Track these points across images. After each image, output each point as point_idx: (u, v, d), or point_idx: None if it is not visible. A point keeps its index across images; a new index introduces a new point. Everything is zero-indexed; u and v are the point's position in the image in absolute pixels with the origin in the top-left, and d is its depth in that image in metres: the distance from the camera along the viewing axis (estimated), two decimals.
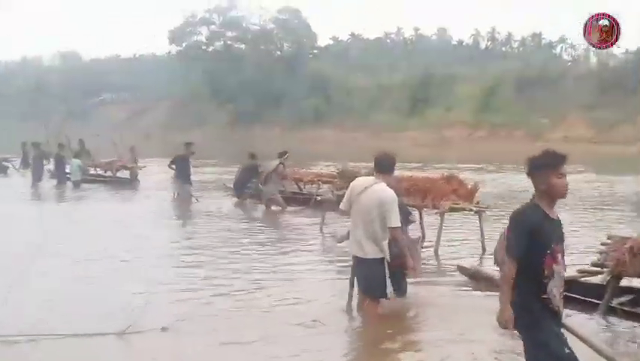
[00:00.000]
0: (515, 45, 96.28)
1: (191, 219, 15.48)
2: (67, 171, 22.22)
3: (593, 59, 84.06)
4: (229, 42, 76.70)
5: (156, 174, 24.09)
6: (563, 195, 4.43)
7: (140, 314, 6.78)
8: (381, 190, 6.83)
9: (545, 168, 4.38)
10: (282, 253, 11.14)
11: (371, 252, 6.91)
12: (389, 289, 7.02)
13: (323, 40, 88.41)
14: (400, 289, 7.62)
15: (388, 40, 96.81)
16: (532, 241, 4.28)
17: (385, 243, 6.89)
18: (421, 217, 12.14)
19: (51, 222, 14.60)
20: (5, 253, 10.23)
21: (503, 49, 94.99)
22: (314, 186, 16.89)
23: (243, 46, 76.49)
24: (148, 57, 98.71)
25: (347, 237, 8.74)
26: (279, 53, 76.28)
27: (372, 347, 6.60)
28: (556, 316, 4.43)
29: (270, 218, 15.45)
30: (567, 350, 4.36)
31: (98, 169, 23.33)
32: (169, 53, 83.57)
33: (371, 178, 7.11)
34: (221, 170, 26.85)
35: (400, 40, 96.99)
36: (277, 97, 66.78)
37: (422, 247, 11.27)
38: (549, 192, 4.38)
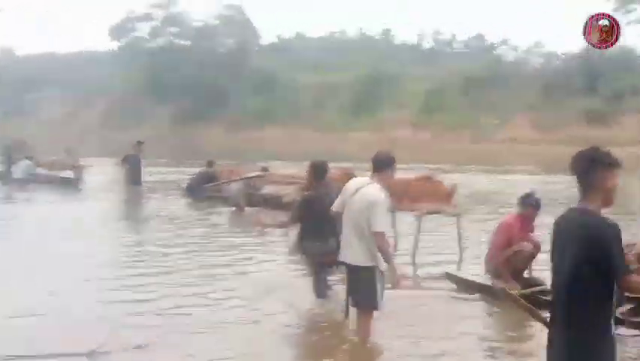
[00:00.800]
0: (459, 46, 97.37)
1: (149, 222, 14.59)
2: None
3: (535, 61, 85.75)
4: (171, 38, 75.14)
5: (100, 174, 23.09)
6: (612, 203, 3.70)
7: (110, 332, 6.04)
8: (373, 192, 6.23)
9: (610, 166, 3.64)
10: (254, 258, 10.39)
11: (362, 259, 6.30)
12: (381, 300, 6.43)
13: (267, 39, 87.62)
14: (321, 291, 7.65)
15: (332, 40, 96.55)
16: None
17: (393, 268, 6.31)
18: (393, 222, 11.66)
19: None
20: None
21: (447, 50, 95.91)
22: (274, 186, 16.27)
23: (188, 42, 75.01)
24: (88, 54, 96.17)
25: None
26: (222, 50, 75.02)
27: None
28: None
29: (233, 220, 14.71)
30: None
31: (41, 168, 22.11)
32: (110, 50, 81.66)
33: (365, 179, 6.54)
34: (172, 170, 25.98)
35: (345, 39, 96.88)
36: (220, 95, 65.64)
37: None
38: (608, 194, 3.64)
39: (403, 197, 10.56)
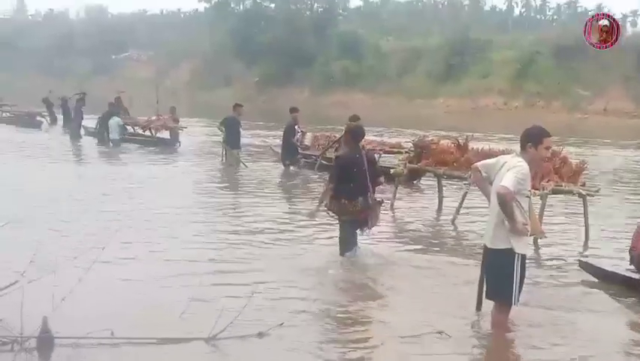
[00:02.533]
0: (550, 13, 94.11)
1: (253, 189, 13.98)
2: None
3: (630, 30, 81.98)
4: (258, 0, 74.83)
5: (193, 134, 22.98)
6: None
7: (232, 316, 5.57)
8: (514, 161, 5.64)
9: None
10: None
11: (498, 240, 5.66)
12: (517, 292, 5.69)
13: (353, 2, 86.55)
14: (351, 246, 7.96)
15: (420, 4, 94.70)
16: None
17: (514, 228, 5.54)
18: None
19: (98, 190, 13.07)
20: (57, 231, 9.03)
21: (538, 16, 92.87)
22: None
23: (272, 5, 74.65)
24: (174, 14, 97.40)
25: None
26: (308, 12, 74.34)
27: None
28: None
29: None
30: None
31: (136, 128, 22.11)
32: (196, 10, 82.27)
33: (513, 154, 5.93)
34: (268, 133, 25.70)
35: (432, 3, 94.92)
36: (306, 58, 65.18)
37: None
38: None
39: None
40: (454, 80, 58.64)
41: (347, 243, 7.98)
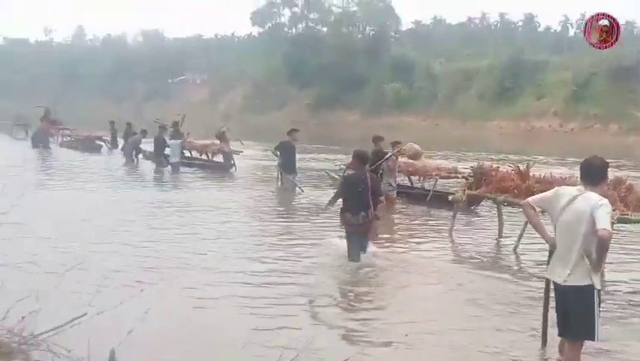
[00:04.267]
0: None
1: (308, 214, 13.81)
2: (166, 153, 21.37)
3: None
4: (311, 24, 75.57)
5: (249, 158, 23.15)
6: None
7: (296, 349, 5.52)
8: (595, 196, 5.38)
9: None
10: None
11: (578, 278, 5.42)
12: (599, 328, 5.50)
13: (405, 24, 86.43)
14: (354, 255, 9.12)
15: (472, 26, 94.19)
16: None
17: (594, 265, 5.38)
18: None
19: (160, 218, 13.13)
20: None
21: None
22: (431, 180, 15.48)
23: (324, 28, 75.30)
24: (229, 38, 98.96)
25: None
26: (360, 36, 74.68)
27: None
28: None
29: (390, 217, 13.74)
30: None
31: (193, 152, 22.35)
32: (250, 34, 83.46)
33: (579, 187, 5.62)
34: (322, 157, 25.69)
35: (485, 25, 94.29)
36: (358, 81, 65.40)
37: None
38: None
39: None
40: (508, 102, 57.98)
41: (351, 250, 9.17)
